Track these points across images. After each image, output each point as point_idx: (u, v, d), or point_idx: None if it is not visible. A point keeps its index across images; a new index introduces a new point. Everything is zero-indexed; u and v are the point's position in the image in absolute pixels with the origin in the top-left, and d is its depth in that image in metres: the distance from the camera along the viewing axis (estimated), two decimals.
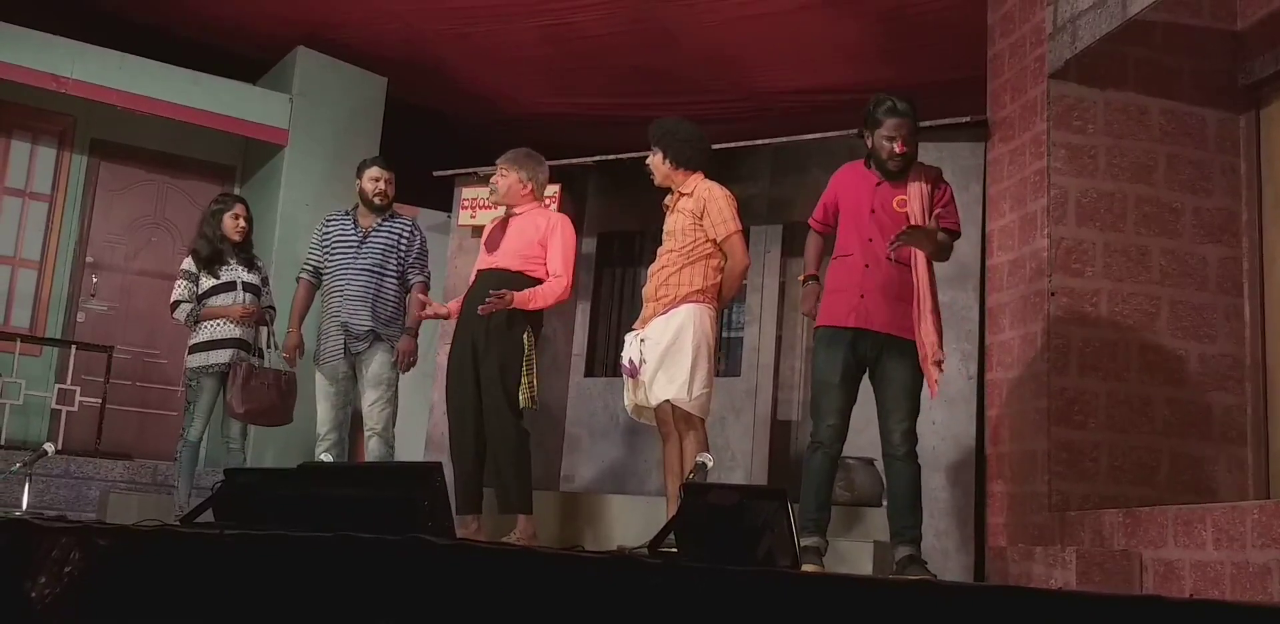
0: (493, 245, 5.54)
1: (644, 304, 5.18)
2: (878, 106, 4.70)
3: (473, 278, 5.58)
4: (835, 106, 7.47)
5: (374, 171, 5.94)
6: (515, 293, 5.30)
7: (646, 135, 5.27)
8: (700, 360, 4.97)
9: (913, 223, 4.61)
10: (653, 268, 5.20)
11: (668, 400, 4.96)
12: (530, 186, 5.59)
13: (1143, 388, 5.39)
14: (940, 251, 4.71)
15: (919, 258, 4.65)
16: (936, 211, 4.68)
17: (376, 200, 5.91)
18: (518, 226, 5.52)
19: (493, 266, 5.47)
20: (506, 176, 5.57)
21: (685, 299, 5.02)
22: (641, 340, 5.07)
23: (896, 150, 4.65)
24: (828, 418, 4.62)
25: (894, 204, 4.69)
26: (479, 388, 5.36)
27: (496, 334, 5.34)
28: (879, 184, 4.72)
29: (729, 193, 5.17)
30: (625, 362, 5.10)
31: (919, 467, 4.62)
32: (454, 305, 5.65)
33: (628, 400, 5.19)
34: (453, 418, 5.48)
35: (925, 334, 4.58)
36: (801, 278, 5.02)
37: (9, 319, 8.11)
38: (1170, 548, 4.38)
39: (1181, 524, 4.34)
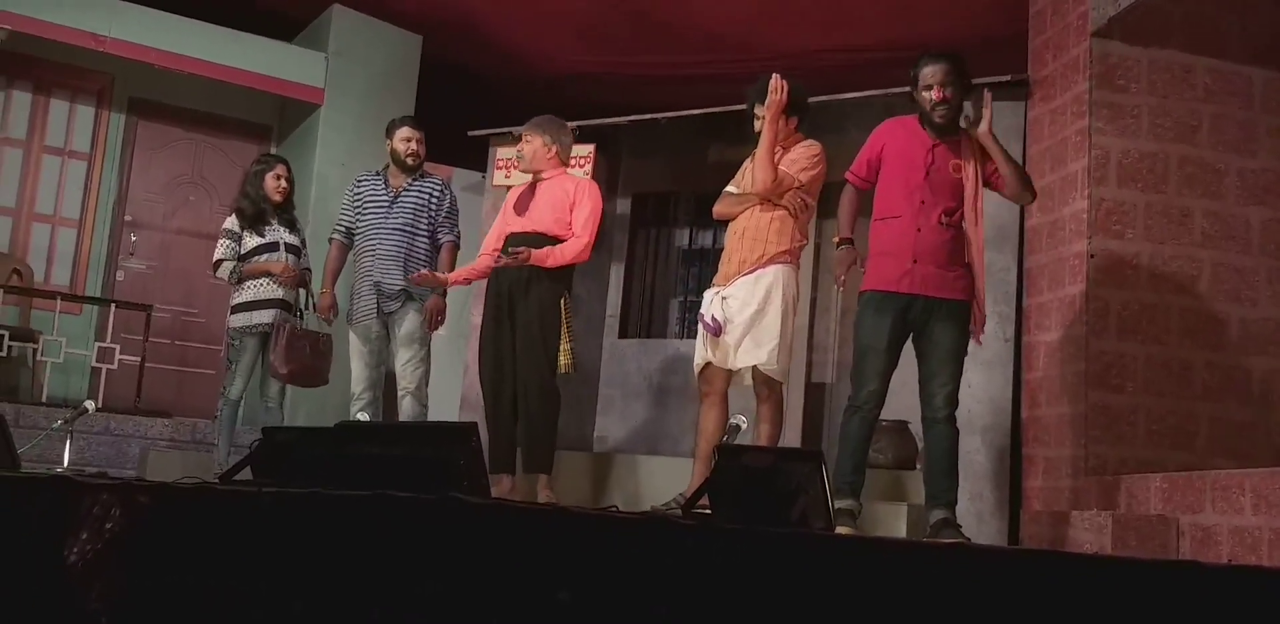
0: (521, 209, 5.57)
1: (725, 259, 5.05)
2: (916, 64, 4.65)
3: (501, 241, 5.58)
4: (871, 64, 7.38)
5: (405, 131, 5.94)
6: (533, 250, 5.34)
7: (748, 94, 5.07)
8: (788, 325, 4.90)
9: (967, 188, 4.58)
10: (736, 224, 5.04)
11: (757, 369, 4.89)
12: (555, 151, 5.61)
13: (1182, 351, 5.34)
14: (1016, 169, 4.69)
15: (979, 218, 4.60)
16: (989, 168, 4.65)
17: (409, 161, 5.92)
18: (546, 191, 5.54)
19: (524, 230, 5.50)
20: (531, 142, 5.59)
21: (774, 260, 4.92)
22: (723, 298, 4.95)
23: (935, 97, 4.58)
24: (869, 383, 4.59)
25: (950, 168, 4.62)
26: (514, 349, 5.40)
27: (534, 297, 5.40)
28: (935, 146, 4.64)
29: (822, 155, 5.03)
30: (708, 318, 4.95)
31: (958, 430, 4.60)
32: (462, 272, 5.71)
33: (699, 358, 5.04)
34: (489, 379, 5.51)
35: (980, 292, 4.60)
36: (836, 240, 4.87)
37: (49, 277, 8.19)
38: (1208, 513, 4.36)
39: (1220, 489, 4.31)
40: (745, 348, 4.88)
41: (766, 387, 4.94)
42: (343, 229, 6.03)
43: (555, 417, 5.45)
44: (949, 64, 4.60)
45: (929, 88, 4.59)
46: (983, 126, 4.62)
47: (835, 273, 4.79)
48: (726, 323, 4.90)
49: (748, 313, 4.88)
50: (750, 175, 5.03)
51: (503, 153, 7.82)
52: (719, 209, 5.13)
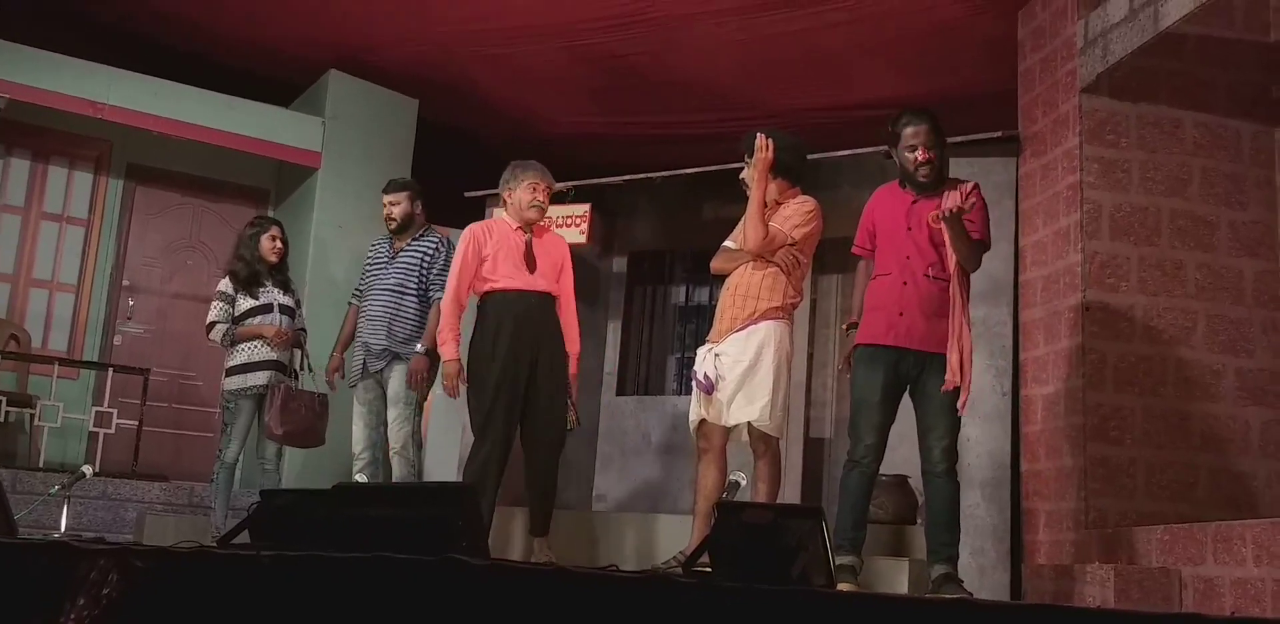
0: (532, 265, 5.45)
1: (718, 316, 5.03)
2: (895, 122, 4.70)
3: (500, 289, 5.41)
4: (865, 122, 7.46)
5: (383, 198, 6.02)
6: (575, 372, 5.51)
7: (740, 147, 5.03)
8: (780, 381, 4.87)
9: (946, 241, 4.57)
10: (730, 280, 5.03)
11: (751, 425, 4.86)
12: None
13: (1179, 403, 5.35)
14: (969, 251, 4.55)
15: (955, 272, 4.59)
16: (964, 213, 4.50)
17: (389, 225, 5.99)
18: (543, 248, 5.52)
19: (535, 289, 5.42)
20: (550, 194, 5.59)
21: (765, 316, 4.88)
22: (716, 355, 4.92)
23: (920, 158, 4.61)
24: (866, 437, 4.58)
25: (930, 220, 4.64)
26: (525, 404, 5.35)
27: (556, 359, 5.42)
28: (915, 202, 4.68)
29: (818, 212, 4.98)
30: (700, 376, 4.92)
31: (958, 484, 4.58)
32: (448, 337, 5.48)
33: (694, 415, 4.99)
34: (489, 432, 5.30)
35: (951, 353, 4.52)
36: (844, 326, 4.99)
37: (46, 342, 8.19)
38: (1209, 565, 4.34)
39: (1221, 541, 4.29)
40: (738, 404, 4.86)
41: (763, 443, 4.92)
42: (358, 293, 6.09)
43: (556, 480, 5.52)
44: (930, 124, 4.64)
45: (913, 148, 4.64)
46: (946, 208, 4.52)
47: (842, 358, 4.95)
48: (719, 380, 4.88)
49: (740, 369, 4.85)
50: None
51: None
52: (715, 264, 5.15)
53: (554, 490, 5.43)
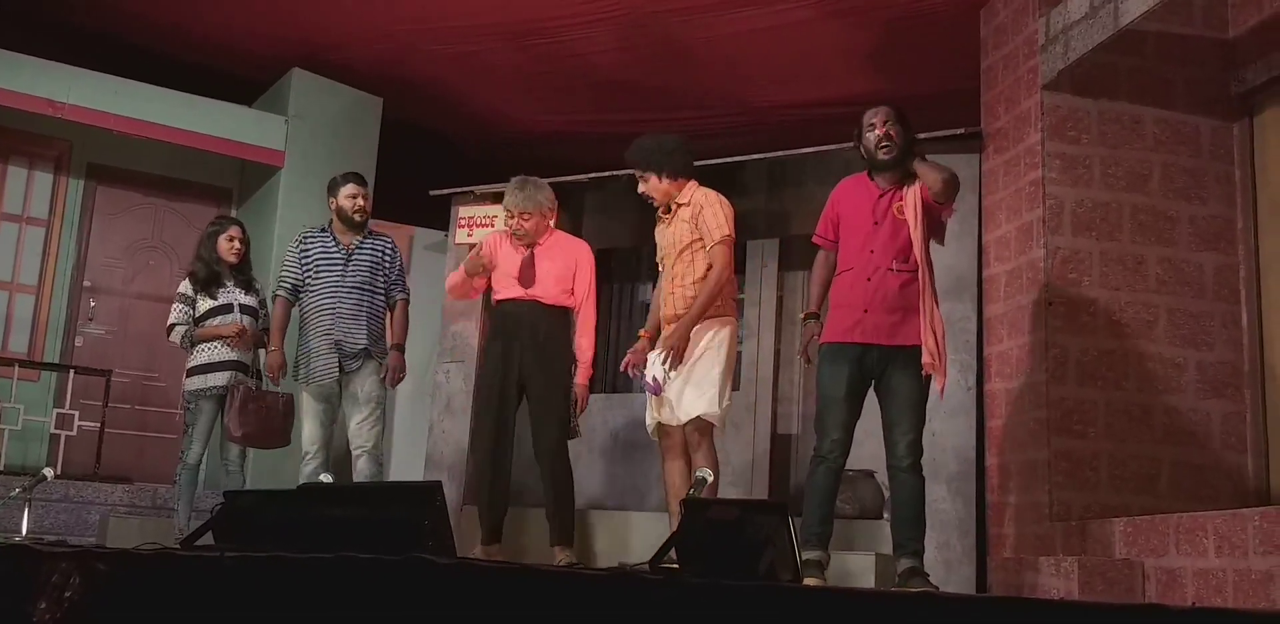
0: (527, 279, 5.55)
1: (662, 325, 5.15)
2: (861, 118, 4.74)
3: (499, 299, 5.62)
4: (830, 120, 7.47)
5: (350, 188, 5.89)
6: (584, 381, 5.57)
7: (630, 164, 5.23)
8: (725, 374, 5.00)
9: (909, 226, 4.60)
10: (664, 286, 5.17)
11: (698, 417, 4.94)
12: (551, 217, 5.68)
13: (1141, 396, 5.39)
14: (939, 178, 4.57)
15: (922, 260, 4.61)
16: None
17: (356, 217, 5.86)
18: (546, 257, 5.57)
19: (530, 298, 5.53)
20: (529, 219, 5.57)
21: (705, 316, 5.02)
22: (665, 360, 5.03)
23: (878, 133, 4.65)
24: (832, 432, 4.61)
25: (895, 211, 4.67)
26: (513, 419, 5.46)
27: (553, 369, 5.48)
28: (881, 196, 4.70)
29: (725, 199, 5.14)
30: (649, 380, 5.04)
31: (923, 479, 4.61)
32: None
33: (650, 419, 5.15)
34: (489, 449, 5.51)
35: (926, 337, 4.56)
36: (802, 316, 5.03)
37: (6, 344, 8.10)
38: (1172, 556, 4.38)
39: (1183, 532, 4.34)
40: (688, 398, 4.98)
41: (698, 434, 5.01)
42: (289, 286, 5.87)
43: (572, 487, 5.62)
44: (889, 107, 4.71)
45: (872, 128, 4.68)
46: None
47: (799, 348, 4.99)
48: (666, 380, 4.99)
49: (684, 368, 4.99)
50: (675, 246, 5.16)
51: (465, 211, 7.85)
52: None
53: (565, 497, 5.51)
